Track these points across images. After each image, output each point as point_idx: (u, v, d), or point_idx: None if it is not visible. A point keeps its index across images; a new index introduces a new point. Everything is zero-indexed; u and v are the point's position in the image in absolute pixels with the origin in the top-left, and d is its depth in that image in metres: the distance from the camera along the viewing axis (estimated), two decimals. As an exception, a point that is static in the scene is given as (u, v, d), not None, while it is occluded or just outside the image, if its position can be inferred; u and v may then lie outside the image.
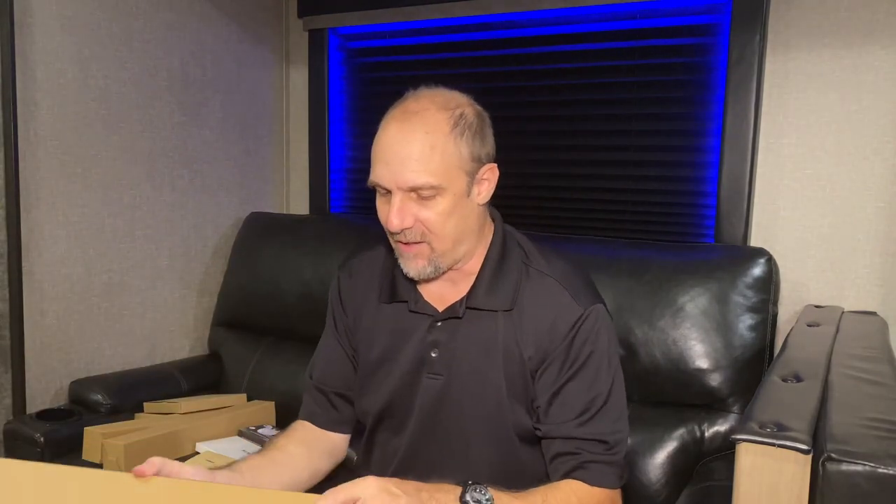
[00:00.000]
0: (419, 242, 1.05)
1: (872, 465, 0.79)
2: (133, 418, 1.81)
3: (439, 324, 1.13)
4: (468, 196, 1.06)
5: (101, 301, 1.94)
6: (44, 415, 1.75)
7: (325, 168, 2.39)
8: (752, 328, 1.54)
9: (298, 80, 2.43)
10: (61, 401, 1.87)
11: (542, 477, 1.13)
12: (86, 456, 1.62)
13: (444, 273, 1.11)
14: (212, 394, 2.04)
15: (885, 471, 0.79)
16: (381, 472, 1.16)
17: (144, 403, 1.87)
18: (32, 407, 1.80)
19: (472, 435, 1.11)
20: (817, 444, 0.85)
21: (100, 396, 1.83)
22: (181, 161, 2.12)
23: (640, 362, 1.57)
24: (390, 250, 1.17)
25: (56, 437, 1.69)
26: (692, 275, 1.58)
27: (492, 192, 1.11)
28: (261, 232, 2.22)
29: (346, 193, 2.42)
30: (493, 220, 1.17)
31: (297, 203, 2.49)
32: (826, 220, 1.68)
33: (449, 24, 2.12)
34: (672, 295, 1.57)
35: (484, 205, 1.12)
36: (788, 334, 1.39)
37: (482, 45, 2.10)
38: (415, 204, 1.03)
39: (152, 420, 1.78)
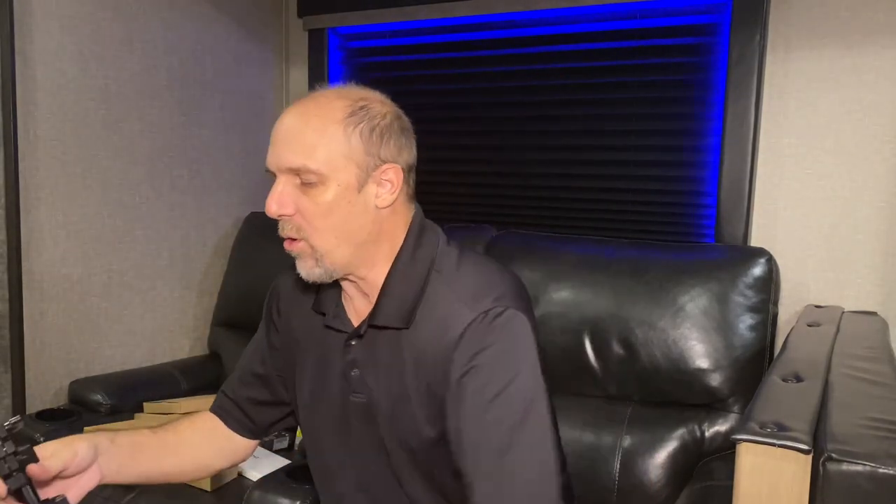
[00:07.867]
0: (297, 240, 0.97)
1: (873, 465, 0.79)
2: (133, 418, 1.81)
3: (353, 342, 1.04)
4: (359, 192, 0.95)
5: (100, 301, 1.94)
6: (43, 415, 1.74)
7: (325, 168, 2.39)
8: (753, 328, 1.54)
9: (298, 79, 2.42)
10: (61, 401, 1.87)
11: None
12: (85, 456, 1.62)
13: (343, 279, 1.02)
14: (211, 394, 2.03)
15: (886, 471, 0.79)
16: (343, 493, 1.10)
17: (144, 403, 1.87)
18: (32, 407, 1.80)
19: (402, 461, 1.03)
20: (817, 444, 0.85)
21: (99, 396, 1.83)
22: (181, 161, 2.12)
23: (640, 362, 1.58)
24: None
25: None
26: (692, 275, 1.58)
27: (396, 196, 0.97)
28: (261, 232, 2.21)
29: (346, 193, 2.42)
30: (417, 228, 1.03)
31: (297, 203, 2.49)
32: (826, 220, 1.68)
33: (449, 23, 2.12)
34: (672, 295, 1.57)
35: (389, 210, 0.98)
36: (789, 334, 1.39)
37: (482, 45, 2.09)
38: (298, 192, 0.95)
39: (152, 420, 1.77)
